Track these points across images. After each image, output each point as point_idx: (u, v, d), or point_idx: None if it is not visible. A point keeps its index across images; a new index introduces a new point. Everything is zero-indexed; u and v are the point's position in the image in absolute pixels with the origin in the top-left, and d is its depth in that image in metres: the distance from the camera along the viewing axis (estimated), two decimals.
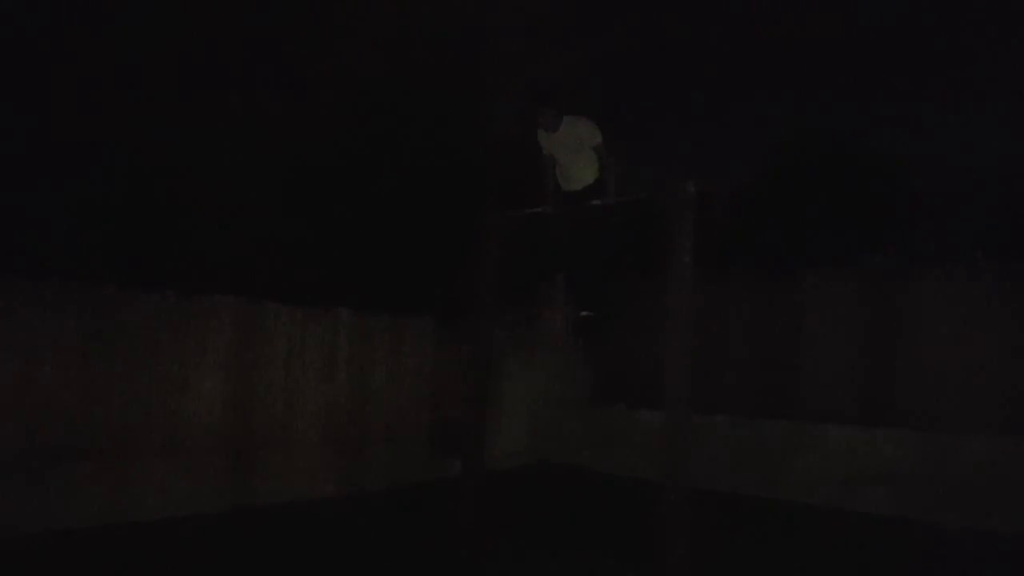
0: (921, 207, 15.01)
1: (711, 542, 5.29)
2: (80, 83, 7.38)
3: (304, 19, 8.79)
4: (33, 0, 7.34)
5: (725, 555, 5.51)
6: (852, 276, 8.23)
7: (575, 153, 5.35)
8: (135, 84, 7.63)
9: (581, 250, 5.66)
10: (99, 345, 5.98)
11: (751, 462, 7.98)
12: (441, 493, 7.30)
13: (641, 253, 8.18)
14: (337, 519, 6.59)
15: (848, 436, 7.55)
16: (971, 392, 7.16)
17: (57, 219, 7.20)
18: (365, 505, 7.10)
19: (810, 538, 6.45)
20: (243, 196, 8.08)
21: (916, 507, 6.91)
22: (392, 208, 9.03)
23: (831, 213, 13.83)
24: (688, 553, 4.60)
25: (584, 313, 6.11)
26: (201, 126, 7.86)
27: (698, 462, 5.25)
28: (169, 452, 6.30)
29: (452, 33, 9.75)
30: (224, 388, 6.67)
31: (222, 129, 7.95)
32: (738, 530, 6.44)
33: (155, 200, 7.81)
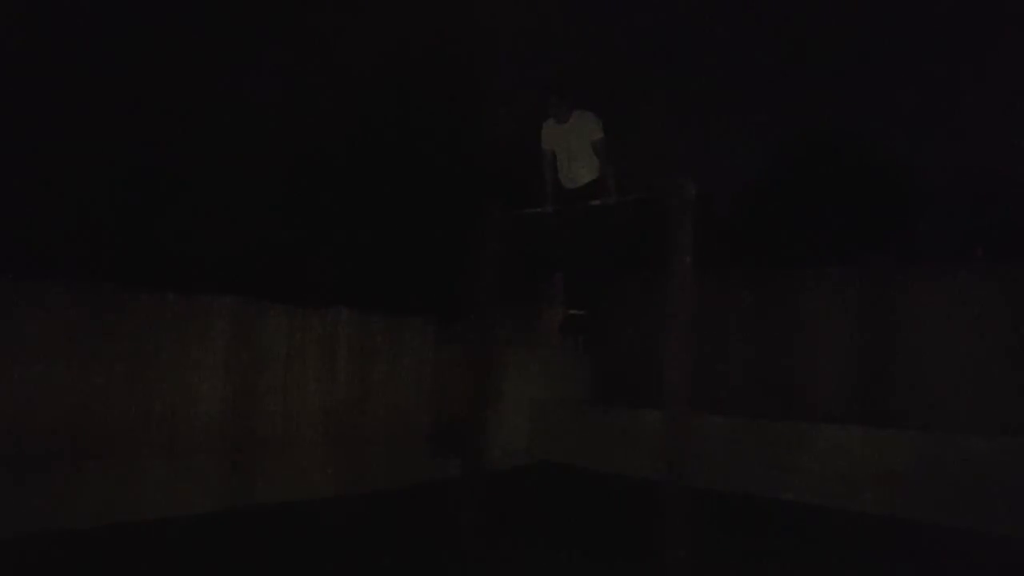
0: (921, 207, 15.02)
1: (711, 542, 5.29)
2: (81, 84, 7.38)
3: (303, 18, 8.79)
4: (36, 2, 7.35)
5: (725, 555, 5.50)
6: (852, 276, 8.23)
7: (576, 149, 5.34)
8: (136, 85, 7.63)
9: (581, 250, 5.64)
10: (99, 345, 5.98)
11: (751, 462, 7.98)
12: (441, 493, 7.30)
13: (641, 253, 8.17)
14: (336, 519, 6.58)
15: (848, 436, 7.54)
16: (971, 392, 7.16)
17: (57, 219, 7.20)
18: (364, 505, 7.09)
19: (810, 538, 6.44)
20: (243, 196, 8.08)
21: (916, 507, 6.91)
22: (392, 208, 9.03)
23: (831, 213, 13.83)
24: (688, 553, 4.60)
25: (573, 312, 5.94)
26: (201, 127, 7.86)
27: (698, 462, 5.26)
28: (169, 452, 6.30)
29: (452, 32, 9.76)
30: (224, 388, 6.68)
31: (222, 129, 7.96)
32: (738, 530, 6.44)
33: (155, 200, 7.81)
